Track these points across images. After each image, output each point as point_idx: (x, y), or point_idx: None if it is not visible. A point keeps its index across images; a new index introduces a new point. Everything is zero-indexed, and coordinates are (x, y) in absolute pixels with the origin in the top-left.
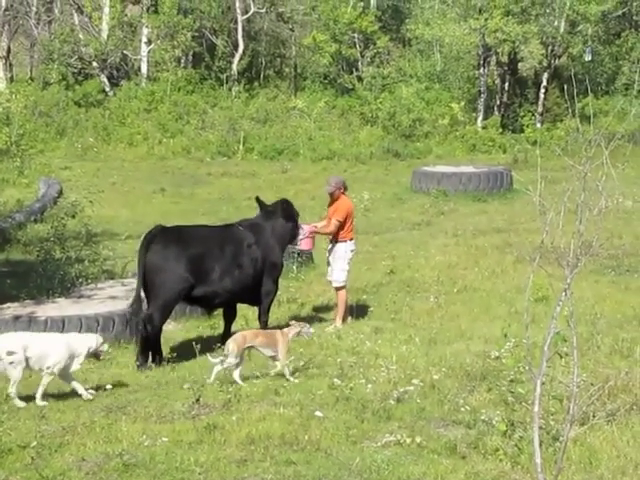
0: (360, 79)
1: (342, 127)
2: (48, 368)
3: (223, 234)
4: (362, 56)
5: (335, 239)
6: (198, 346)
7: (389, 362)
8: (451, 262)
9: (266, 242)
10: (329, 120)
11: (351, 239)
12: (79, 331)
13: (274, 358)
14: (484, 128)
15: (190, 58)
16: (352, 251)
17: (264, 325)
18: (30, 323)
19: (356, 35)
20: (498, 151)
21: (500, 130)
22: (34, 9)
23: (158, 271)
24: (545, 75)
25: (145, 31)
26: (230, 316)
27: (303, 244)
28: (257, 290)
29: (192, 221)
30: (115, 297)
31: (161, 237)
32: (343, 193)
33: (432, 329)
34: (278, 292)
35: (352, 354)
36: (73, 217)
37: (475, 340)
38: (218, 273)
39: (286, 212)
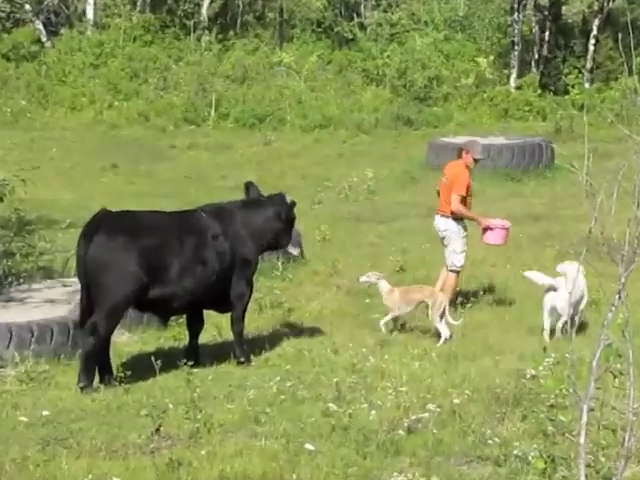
0: (362, 27)
1: (340, 87)
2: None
3: (182, 222)
4: None
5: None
6: (158, 362)
7: (398, 383)
8: (476, 257)
9: (236, 233)
10: (323, 79)
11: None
12: (7, 346)
13: None
14: (518, 89)
15: (148, 0)
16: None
17: (239, 337)
18: None
19: None
20: (536, 118)
21: (539, 91)
22: None
23: (103, 268)
24: (596, 22)
25: None
26: (196, 325)
27: (492, 238)
28: (225, 292)
29: (151, 206)
30: (54, 301)
31: (106, 225)
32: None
33: (452, 341)
34: (255, 294)
35: (352, 372)
36: (1, 200)
37: (506, 355)
38: (177, 270)
39: (277, 208)
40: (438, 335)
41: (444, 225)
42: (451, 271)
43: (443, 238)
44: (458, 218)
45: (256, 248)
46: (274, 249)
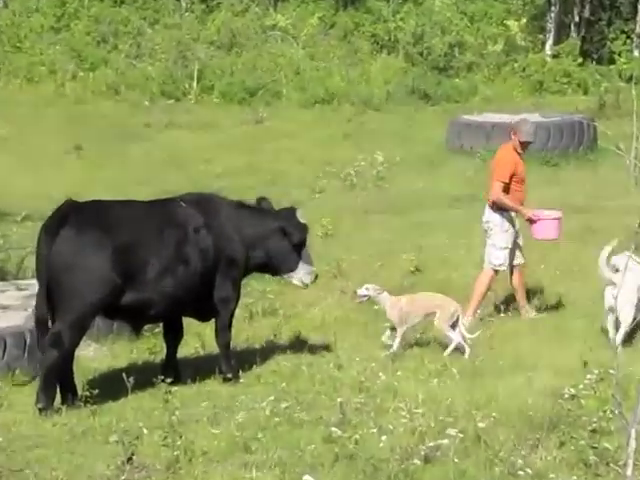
0: None
1: (345, 56)
2: None
3: (160, 214)
4: None
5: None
6: (131, 379)
7: (413, 403)
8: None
9: (220, 226)
10: (325, 45)
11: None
12: None
13: None
14: (555, 57)
15: None
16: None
17: (225, 349)
18: None
19: None
20: (576, 91)
21: (579, 60)
22: None
23: (70, 269)
24: None
25: None
26: (174, 335)
27: (542, 232)
28: (208, 296)
29: (122, 195)
30: (7, 307)
31: (74, 219)
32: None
33: (477, 355)
34: (244, 299)
35: (358, 391)
36: None
37: (541, 371)
38: (155, 270)
39: (281, 222)
40: (458, 348)
41: (487, 216)
42: (489, 269)
43: (485, 230)
44: (503, 209)
45: (244, 249)
46: (271, 272)
